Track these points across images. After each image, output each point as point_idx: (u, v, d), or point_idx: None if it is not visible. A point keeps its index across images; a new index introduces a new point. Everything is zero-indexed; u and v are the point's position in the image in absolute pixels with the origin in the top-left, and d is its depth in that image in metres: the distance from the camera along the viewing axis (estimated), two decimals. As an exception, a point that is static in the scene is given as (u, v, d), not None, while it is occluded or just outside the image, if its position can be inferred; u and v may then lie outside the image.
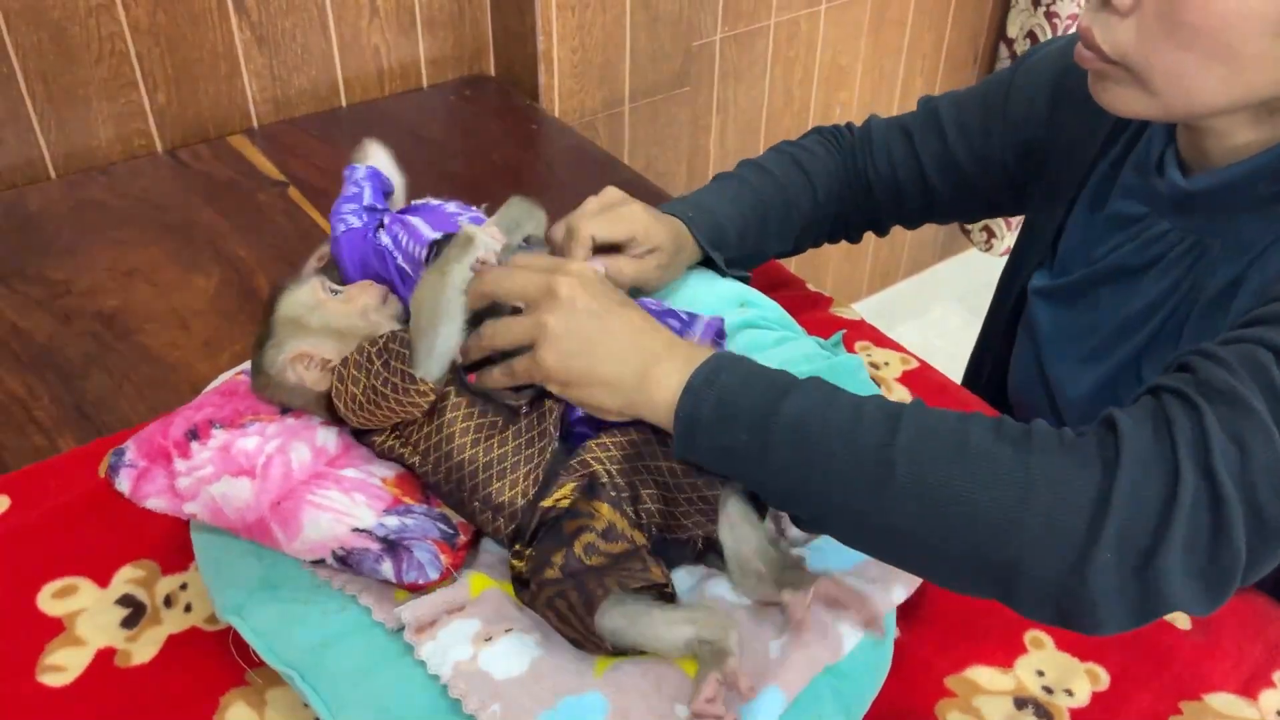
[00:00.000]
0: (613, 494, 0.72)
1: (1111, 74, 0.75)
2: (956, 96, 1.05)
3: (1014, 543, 0.58)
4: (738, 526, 0.71)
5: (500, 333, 0.74)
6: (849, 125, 1.12)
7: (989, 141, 1.01)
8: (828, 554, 0.74)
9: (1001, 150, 1.00)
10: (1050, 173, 0.97)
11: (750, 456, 0.65)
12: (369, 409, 0.74)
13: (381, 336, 0.75)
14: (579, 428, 0.77)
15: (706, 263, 1.01)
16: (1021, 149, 0.99)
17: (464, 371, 0.76)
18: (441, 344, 0.74)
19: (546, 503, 0.72)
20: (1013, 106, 0.99)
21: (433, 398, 0.73)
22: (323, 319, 0.77)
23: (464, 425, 0.74)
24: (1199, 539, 0.57)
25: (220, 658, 0.74)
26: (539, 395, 0.76)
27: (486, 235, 0.77)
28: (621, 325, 0.71)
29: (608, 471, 0.72)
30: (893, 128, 1.07)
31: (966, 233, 2.70)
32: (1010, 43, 2.36)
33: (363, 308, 0.78)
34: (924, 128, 1.05)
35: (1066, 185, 0.94)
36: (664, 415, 0.68)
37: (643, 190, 1.37)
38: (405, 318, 0.78)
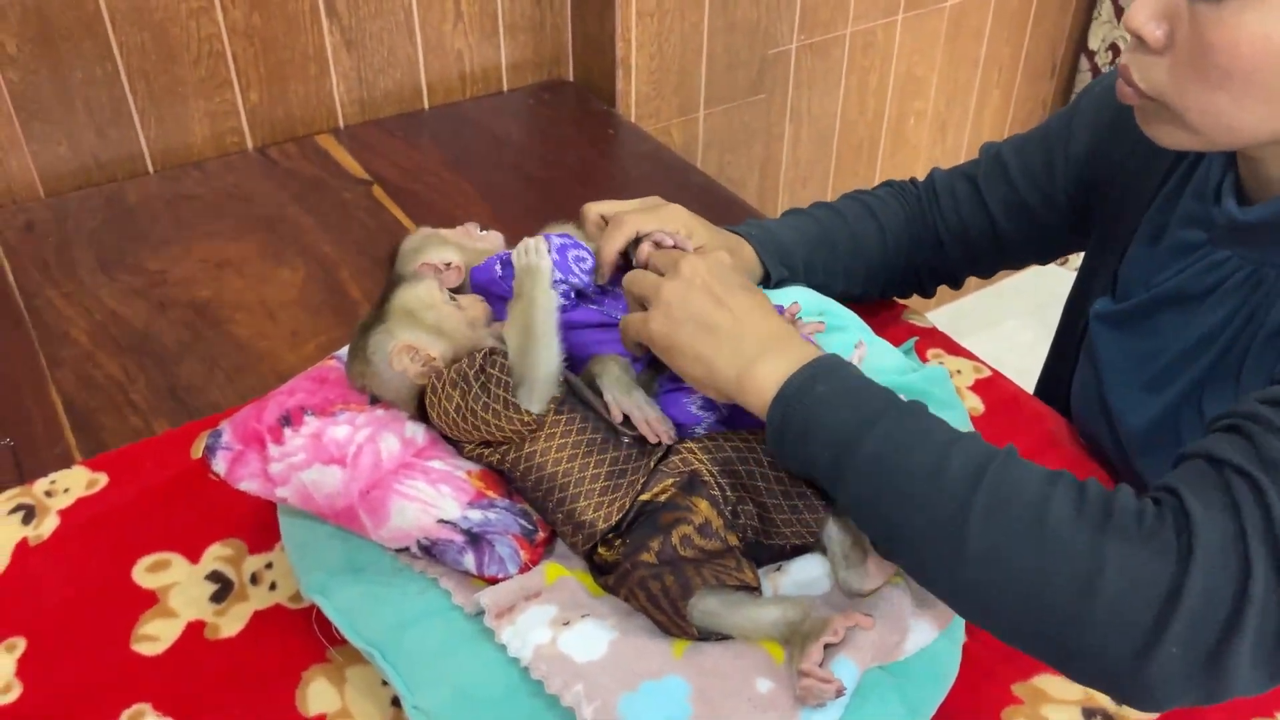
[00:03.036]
0: (714, 493, 0.73)
1: (1152, 110, 0.75)
2: (1018, 141, 1.05)
3: (1078, 627, 0.58)
4: (837, 544, 0.73)
5: (633, 280, 0.78)
6: (913, 180, 1.12)
7: (1053, 180, 1.01)
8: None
9: (1065, 187, 1.00)
10: (1112, 203, 0.97)
11: (829, 479, 0.67)
12: (461, 425, 0.75)
13: (480, 355, 0.75)
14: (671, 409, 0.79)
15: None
16: (1085, 183, 0.99)
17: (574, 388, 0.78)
18: (543, 370, 0.74)
19: (645, 497, 0.73)
20: (1074, 143, 0.99)
21: (534, 426, 0.75)
22: (438, 319, 0.78)
23: (562, 441, 0.75)
24: (1267, 631, 0.56)
25: (303, 635, 0.77)
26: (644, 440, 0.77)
27: (546, 257, 0.78)
28: (736, 310, 0.73)
29: (710, 473, 0.74)
30: (957, 177, 1.08)
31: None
32: (1091, 55, 2.32)
33: (472, 319, 0.79)
34: (988, 174, 1.05)
35: (1129, 215, 0.94)
36: (757, 410, 0.70)
37: (715, 195, 1.38)
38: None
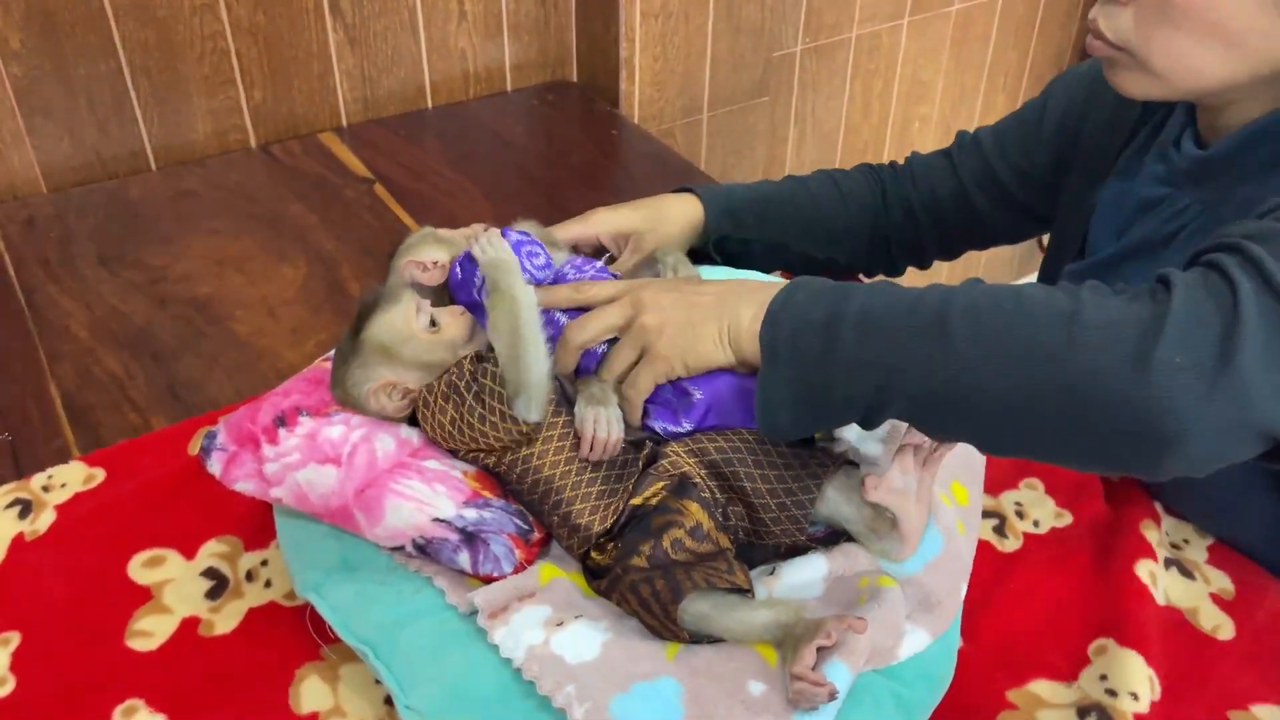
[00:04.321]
0: (704, 495, 0.73)
1: (1119, 60, 0.80)
2: (993, 125, 1.10)
3: (1071, 360, 0.59)
4: (859, 522, 0.73)
5: (592, 322, 0.76)
6: (891, 163, 1.17)
7: (1028, 157, 1.06)
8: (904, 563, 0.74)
9: (1040, 163, 1.05)
10: (1079, 171, 1.01)
11: (820, 357, 0.67)
12: (458, 438, 0.75)
13: (467, 364, 0.74)
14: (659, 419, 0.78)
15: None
16: (1057, 161, 1.04)
17: (569, 381, 0.78)
18: (536, 373, 0.73)
19: (636, 501, 0.73)
20: (1047, 122, 1.04)
21: (534, 434, 0.74)
22: (414, 352, 0.76)
23: (559, 444, 0.74)
24: (1274, 335, 0.57)
25: (297, 633, 0.77)
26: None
27: (509, 250, 0.78)
28: (707, 295, 0.75)
29: (700, 475, 0.74)
30: (933, 156, 1.14)
31: (1044, 249, 2.66)
32: (1096, 61, 2.33)
33: (450, 341, 0.77)
34: (962, 150, 1.11)
35: (1093, 179, 0.98)
36: (756, 344, 0.71)
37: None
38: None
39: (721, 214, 1.07)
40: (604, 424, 0.74)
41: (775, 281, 0.79)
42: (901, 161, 1.16)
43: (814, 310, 0.68)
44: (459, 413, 0.74)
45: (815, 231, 1.11)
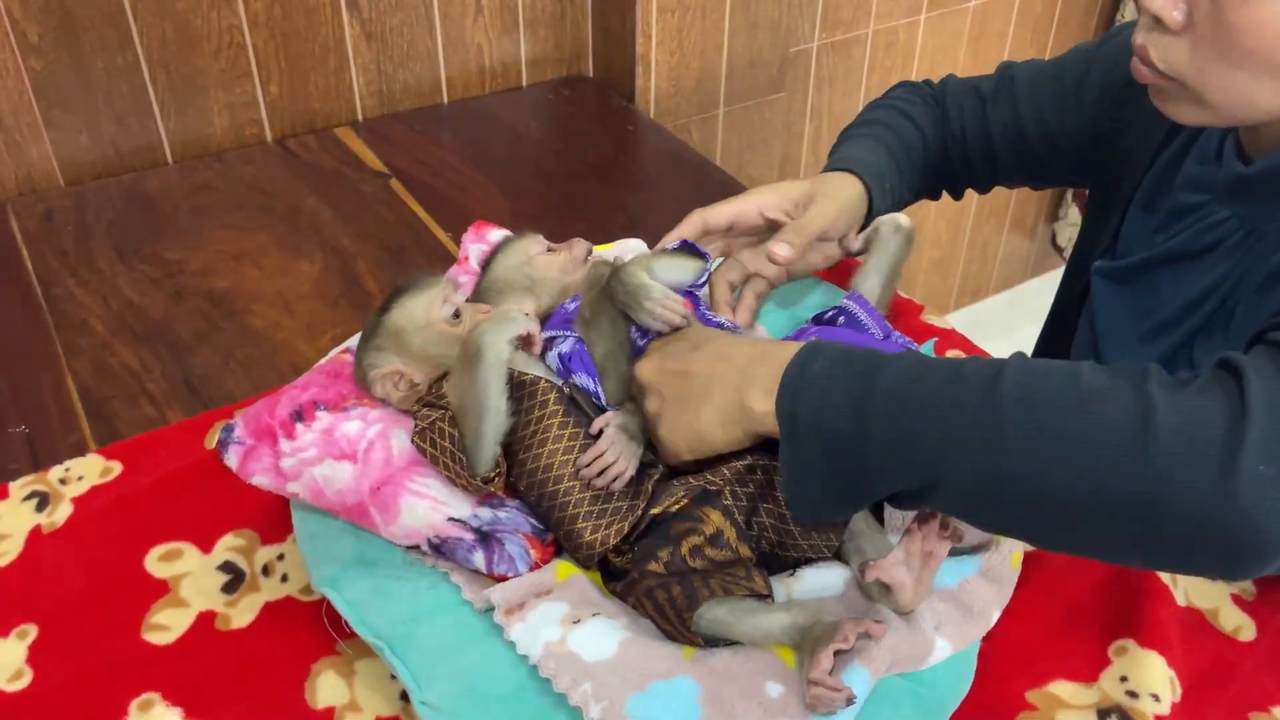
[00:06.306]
0: (726, 503, 0.72)
1: (1169, 90, 0.76)
2: (1035, 68, 1.04)
3: (1147, 468, 0.54)
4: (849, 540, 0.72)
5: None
6: (927, 81, 1.12)
7: (1062, 121, 1.01)
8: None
9: (1073, 132, 1.00)
10: (1115, 162, 0.98)
11: (852, 437, 0.62)
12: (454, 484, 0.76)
13: (426, 426, 0.75)
14: None
15: None
16: (1090, 133, 0.99)
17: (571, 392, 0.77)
18: (490, 435, 0.73)
19: (656, 510, 0.72)
20: (1088, 90, 0.99)
21: (501, 481, 0.74)
22: (424, 342, 0.77)
23: (564, 458, 0.74)
24: None
25: (313, 627, 0.77)
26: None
27: (523, 318, 0.76)
28: (704, 363, 0.71)
29: (729, 484, 0.73)
30: (968, 92, 1.07)
31: (1059, 250, 2.65)
32: (1115, 57, 2.31)
33: (464, 337, 0.77)
34: (997, 94, 1.05)
35: (1131, 176, 0.95)
36: (771, 422, 0.66)
37: (734, 193, 1.37)
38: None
39: (883, 193, 0.99)
40: (623, 460, 0.73)
41: (764, 341, 0.73)
42: (936, 81, 1.12)
43: (837, 383, 0.63)
44: (443, 459, 0.75)
45: (913, 184, 1.07)
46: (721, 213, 0.94)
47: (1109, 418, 0.56)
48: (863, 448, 0.62)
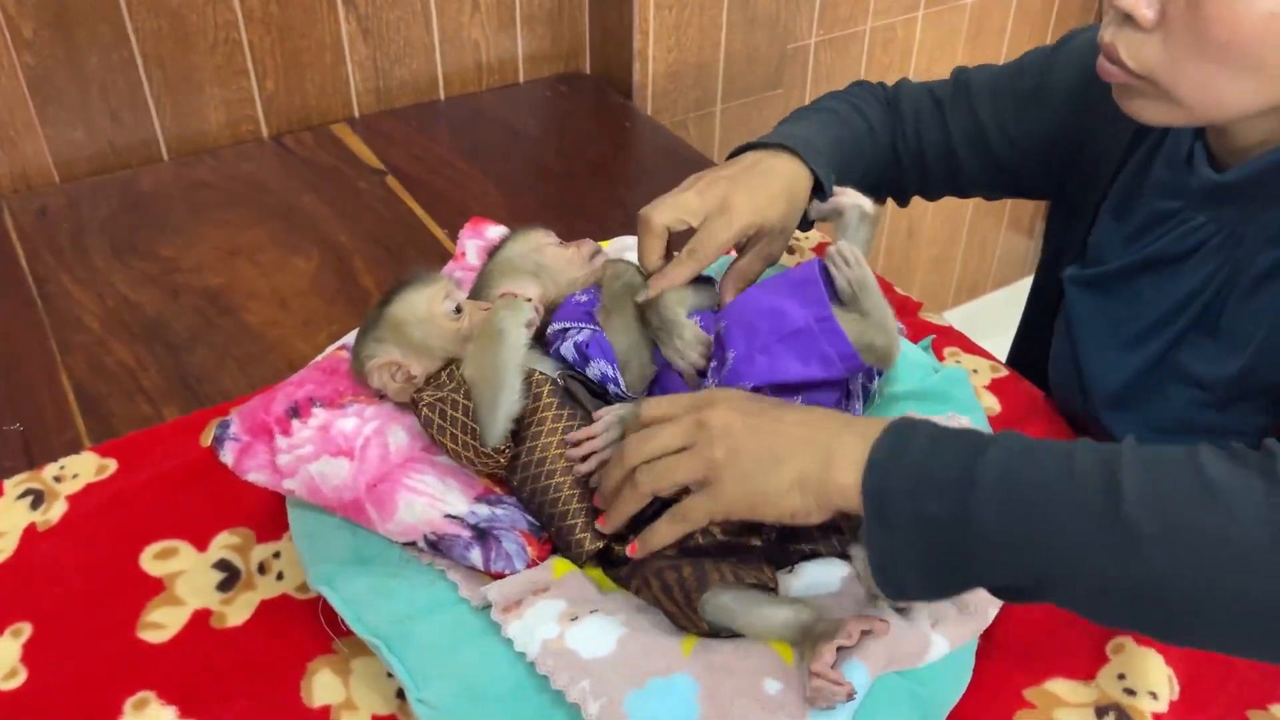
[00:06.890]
0: None
1: (1139, 89, 0.74)
2: (991, 73, 1.02)
3: None
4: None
5: (660, 476, 0.67)
6: (881, 84, 1.09)
7: (1021, 123, 0.99)
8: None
9: (1034, 134, 0.99)
10: (1079, 170, 0.96)
11: (953, 525, 0.59)
12: (458, 458, 0.76)
13: (436, 399, 0.75)
14: None
15: None
16: (1052, 138, 0.98)
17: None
18: (505, 409, 0.74)
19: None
20: (1048, 93, 0.97)
21: (508, 455, 0.75)
22: (424, 335, 0.77)
23: (558, 453, 0.74)
24: None
25: (309, 625, 0.76)
26: None
27: (530, 306, 0.77)
28: (788, 425, 0.66)
29: None
30: (922, 95, 1.04)
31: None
32: (1112, 54, 2.31)
33: (466, 334, 0.78)
34: (955, 100, 1.02)
35: (1096, 183, 0.94)
36: (855, 498, 0.62)
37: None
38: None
39: (828, 174, 0.93)
40: (611, 449, 0.73)
41: (853, 416, 0.68)
42: (891, 84, 1.08)
43: (935, 466, 0.60)
44: (447, 441, 0.75)
45: (854, 172, 1.01)
46: (667, 216, 0.84)
47: (1244, 518, 0.54)
48: (965, 539, 0.59)
